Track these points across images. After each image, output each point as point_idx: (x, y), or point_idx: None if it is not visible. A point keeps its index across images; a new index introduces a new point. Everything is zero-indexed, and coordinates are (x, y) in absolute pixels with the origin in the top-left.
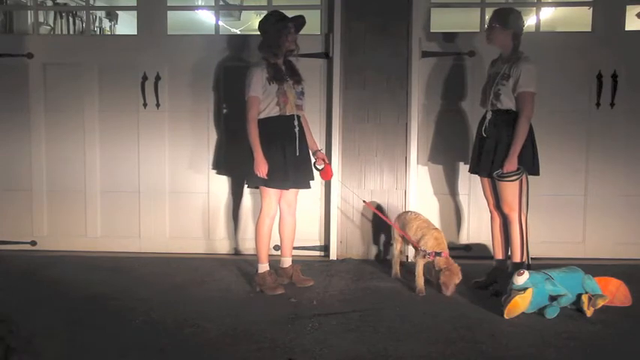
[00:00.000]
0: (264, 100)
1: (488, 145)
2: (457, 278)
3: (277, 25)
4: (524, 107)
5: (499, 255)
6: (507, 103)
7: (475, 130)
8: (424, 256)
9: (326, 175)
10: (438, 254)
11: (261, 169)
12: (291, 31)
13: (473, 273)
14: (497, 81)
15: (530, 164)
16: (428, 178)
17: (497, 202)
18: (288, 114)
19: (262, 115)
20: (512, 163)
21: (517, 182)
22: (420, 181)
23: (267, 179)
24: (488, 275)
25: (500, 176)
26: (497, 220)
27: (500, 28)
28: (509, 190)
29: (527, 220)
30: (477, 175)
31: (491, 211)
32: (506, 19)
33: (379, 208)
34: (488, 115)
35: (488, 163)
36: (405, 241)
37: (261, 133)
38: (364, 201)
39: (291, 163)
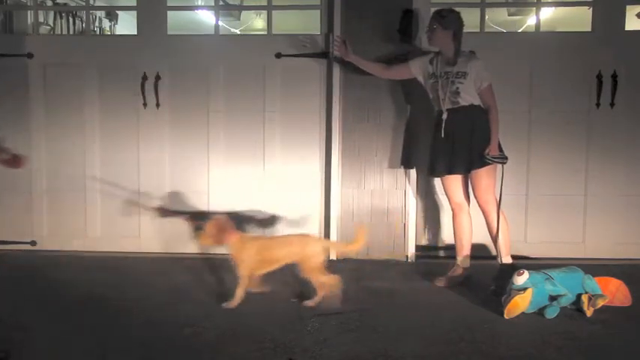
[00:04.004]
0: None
1: (459, 141)
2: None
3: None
4: (492, 98)
5: (465, 252)
6: (468, 98)
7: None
8: None
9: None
10: None
11: None
12: None
13: (473, 273)
14: (451, 80)
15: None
16: (428, 178)
17: (468, 198)
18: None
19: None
20: (495, 148)
21: (494, 174)
22: (420, 181)
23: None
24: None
25: (492, 158)
26: (467, 217)
27: (441, 28)
28: (486, 180)
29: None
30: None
31: (453, 209)
32: (445, 19)
33: None
34: (445, 115)
35: (464, 158)
36: None
37: None
38: None
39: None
